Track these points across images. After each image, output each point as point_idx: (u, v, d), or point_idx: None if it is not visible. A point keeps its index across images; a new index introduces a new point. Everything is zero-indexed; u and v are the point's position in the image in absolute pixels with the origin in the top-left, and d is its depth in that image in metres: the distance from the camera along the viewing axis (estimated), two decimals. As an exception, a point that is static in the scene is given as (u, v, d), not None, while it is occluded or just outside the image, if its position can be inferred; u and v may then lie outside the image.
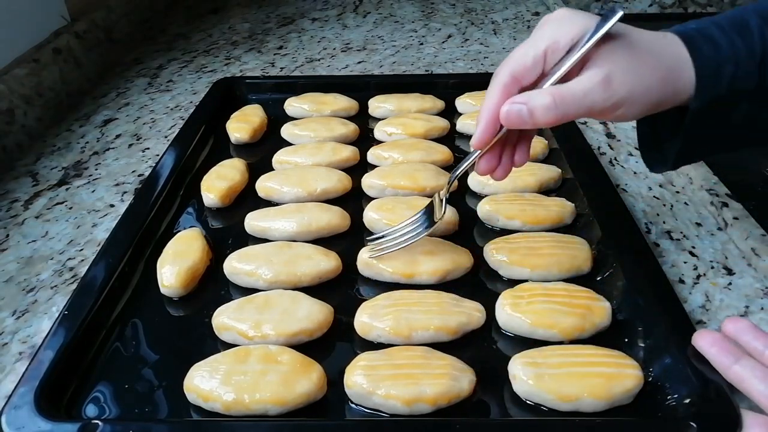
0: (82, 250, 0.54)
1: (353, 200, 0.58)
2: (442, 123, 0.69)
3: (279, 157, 0.63)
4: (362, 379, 0.38)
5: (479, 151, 0.42)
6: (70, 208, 0.60)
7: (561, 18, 0.39)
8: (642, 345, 0.42)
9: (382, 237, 0.48)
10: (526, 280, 0.47)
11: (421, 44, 0.99)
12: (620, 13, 0.36)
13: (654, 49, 0.38)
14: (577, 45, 0.38)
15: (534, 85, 0.40)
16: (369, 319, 0.43)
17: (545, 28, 0.39)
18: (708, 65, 0.38)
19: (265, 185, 0.58)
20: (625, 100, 0.37)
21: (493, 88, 0.40)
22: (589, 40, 0.37)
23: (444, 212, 0.46)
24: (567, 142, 0.64)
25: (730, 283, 0.49)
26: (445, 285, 0.47)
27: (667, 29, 0.40)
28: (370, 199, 0.58)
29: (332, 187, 0.57)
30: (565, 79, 0.38)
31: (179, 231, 0.54)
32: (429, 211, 0.47)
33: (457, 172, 0.45)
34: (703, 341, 0.39)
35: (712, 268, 0.51)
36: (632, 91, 0.37)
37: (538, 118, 0.38)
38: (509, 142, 0.44)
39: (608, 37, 0.37)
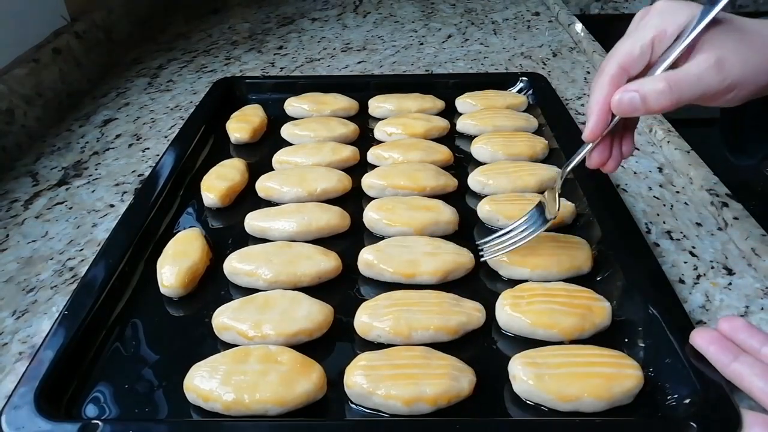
0: (82, 250, 0.54)
1: (353, 200, 0.58)
2: (442, 123, 0.69)
3: (279, 157, 0.63)
4: (362, 379, 0.38)
5: (590, 145, 0.43)
6: (70, 208, 0.60)
7: (664, 8, 0.40)
8: (642, 345, 0.42)
9: (494, 239, 0.49)
10: (526, 280, 0.47)
11: (421, 44, 0.99)
12: None
13: (761, 32, 0.39)
14: (684, 33, 0.39)
15: (640, 75, 0.40)
16: (369, 319, 0.43)
17: (649, 19, 0.41)
18: None
19: (265, 185, 0.58)
20: (737, 83, 0.38)
21: (602, 80, 0.41)
22: (698, 26, 0.38)
23: (558, 207, 0.47)
24: (567, 142, 0.64)
25: (730, 283, 0.49)
26: (445, 285, 0.47)
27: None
28: (370, 199, 0.58)
29: (332, 187, 0.57)
30: (671, 67, 0.39)
31: (179, 231, 0.54)
32: (540, 208, 0.48)
33: (570, 166, 0.45)
34: (701, 339, 0.39)
35: (713, 268, 0.51)
36: (744, 72, 0.38)
37: (651, 104, 0.39)
38: (616, 133, 0.45)
39: (714, 23, 0.38)
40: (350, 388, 0.39)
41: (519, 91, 0.76)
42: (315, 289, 0.47)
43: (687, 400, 0.37)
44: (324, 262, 0.48)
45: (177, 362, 0.42)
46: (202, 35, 1.05)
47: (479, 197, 0.57)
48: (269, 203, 0.58)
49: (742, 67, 0.38)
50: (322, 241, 0.52)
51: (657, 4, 0.41)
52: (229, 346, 0.43)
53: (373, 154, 0.64)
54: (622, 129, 0.45)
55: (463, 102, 0.74)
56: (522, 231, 0.48)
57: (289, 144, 0.67)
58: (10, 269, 0.52)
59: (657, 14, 0.40)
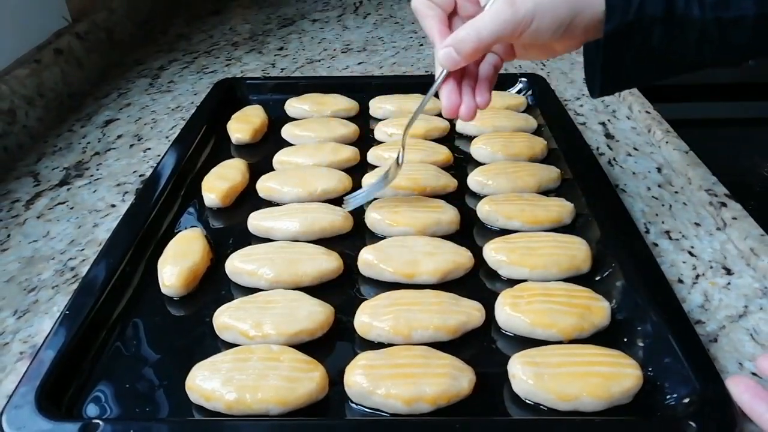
0: (83, 250, 0.54)
1: (353, 200, 0.58)
2: (442, 124, 0.69)
3: (279, 158, 0.63)
4: (362, 379, 0.39)
5: (429, 93, 0.47)
6: (72, 208, 0.60)
7: None
8: (641, 345, 0.42)
9: (354, 194, 0.55)
10: (525, 280, 0.47)
11: (421, 45, 0.99)
12: None
13: None
14: None
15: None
16: (369, 319, 0.43)
17: None
18: None
19: (265, 185, 0.58)
20: (532, 13, 0.40)
21: (427, 27, 0.45)
22: None
23: (403, 161, 0.53)
24: (566, 143, 0.64)
25: (729, 283, 0.49)
26: (445, 285, 0.48)
27: None
28: (371, 199, 0.58)
29: (333, 187, 0.57)
30: None
31: (180, 231, 0.54)
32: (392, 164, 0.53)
33: (413, 119, 0.51)
34: (735, 387, 0.37)
35: (711, 268, 0.51)
36: (537, 3, 0.40)
37: (464, 53, 0.42)
38: (468, 82, 0.47)
39: None
40: (350, 388, 0.39)
41: (518, 92, 0.76)
42: (315, 289, 0.47)
43: (686, 400, 0.37)
44: (326, 262, 0.48)
45: (178, 362, 0.42)
46: (203, 36, 1.05)
47: (479, 197, 0.57)
48: (270, 203, 0.58)
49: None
50: (324, 241, 0.52)
51: None
52: (230, 345, 0.43)
53: (373, 155, 0.64)
54: (474, 79, 0.47)
55: (463, 103, 0.74)
56: (375, 186, 0.54)
57: (289, 144, 0.67)
58: (12, 269, 0.52)
59: None
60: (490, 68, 0.48)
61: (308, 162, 0.62)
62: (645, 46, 0.42)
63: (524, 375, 0.39)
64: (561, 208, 0.54)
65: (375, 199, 0.56)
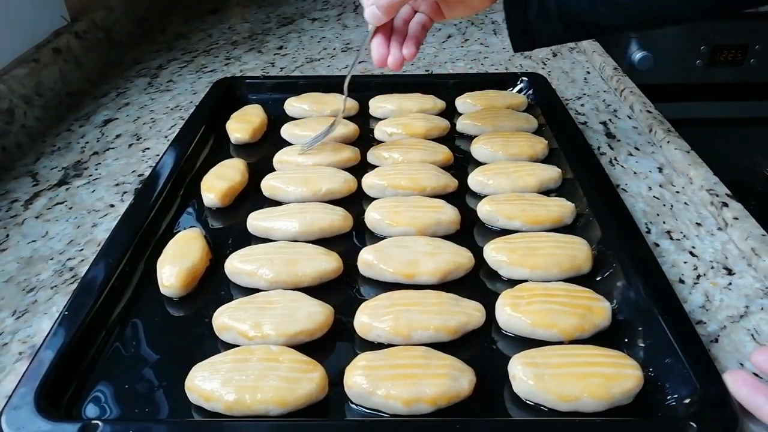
0: (82, 250, 0.54)
1: (353, 200, 0.58)
2: (443, 123, 0.69)
3: (279, 157, 0.63)
4: (362, 380, 0.38)
5: (361, 50, 0.57)
6: (70, 208, 0.60)
7: None
8: (642, 345, 0.42)
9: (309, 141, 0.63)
10: (526, 280, 0.47)
11: (422, 44, 0.99)
12: None
13: None
14: None
15: None
16: (369, 320, 0.43)
17: None
18: None
19: (270, 184, 0.58)
20: None
21: None
22: None
23: (344, 107, 0.62)
24: (567, 142, 0.64)
25: (730, 283, 0.49)
26: (445, 285, 0.47)
27: None
28: (370, 199, 0.58)
29: (338, 188, 0.57)
30: None
31: (179, 231, 0.54)
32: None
33: (350, 73, 0.61)
34: (732, 382, 0.38)
35: (712, 268, 0.51)
36: None
37: (384, 9, 0.51)
38: (398, 36, 0.56)
39: None
40: (350, 388, 0.39)
41: (519, 91, 0.76)
42: (315, 289, 0.47)
43: (687, 400, 0.37)
44: (325, 263, 0.48)
45: (177, 362, 0.42)
46: (202, 35, 1.04)
47: (479, 197, 0.57)
48: (270, 203, 0.58)
49: None
50: (323, 241, 0.52)
51: None
52: (229, 346, 0.43)
53: (373, 154, 0.64)
54: (404, 36, 0.56)
55: (463, 102, 0.74)
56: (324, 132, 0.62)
57: (289, 144, 0.67)
58: (10, 269, 0.52)
59: None
60: (419, 26, 0.56)
61: (308, 162, 0.62)
62: (545, 3, 0.49)
63: (525, 375, 0.39)
64: (562, 208, 0.54)
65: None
